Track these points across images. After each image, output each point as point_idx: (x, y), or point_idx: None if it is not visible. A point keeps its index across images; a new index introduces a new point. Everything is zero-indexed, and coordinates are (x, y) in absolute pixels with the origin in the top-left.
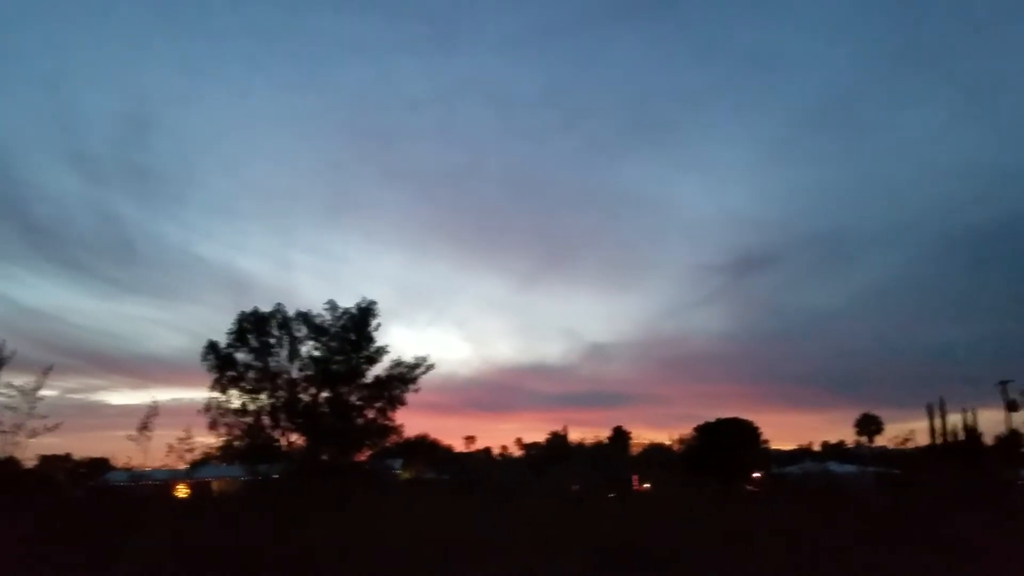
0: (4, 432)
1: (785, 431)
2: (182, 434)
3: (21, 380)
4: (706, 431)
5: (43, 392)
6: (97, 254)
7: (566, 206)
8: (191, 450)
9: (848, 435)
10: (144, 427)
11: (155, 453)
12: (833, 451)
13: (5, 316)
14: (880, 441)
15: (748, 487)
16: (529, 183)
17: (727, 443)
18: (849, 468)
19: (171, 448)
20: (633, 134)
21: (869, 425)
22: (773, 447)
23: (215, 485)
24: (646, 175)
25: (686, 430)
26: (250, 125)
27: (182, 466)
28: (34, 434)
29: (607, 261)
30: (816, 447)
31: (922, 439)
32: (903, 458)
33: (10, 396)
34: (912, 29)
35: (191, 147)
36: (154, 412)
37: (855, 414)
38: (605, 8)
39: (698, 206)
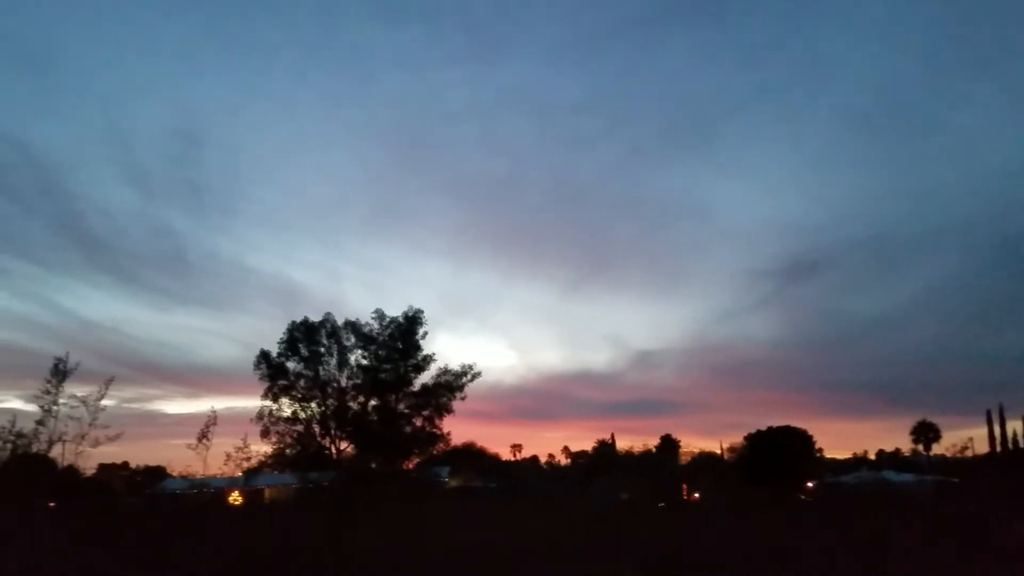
0: (67, 442)
1: (838, 439)
2: (238, 443)
3: (81, 391)
4: (757, 439)
5: (104, 402)
6: (152, 267)
7: (610, 213)
8: (248, 458)
9: (904, 443)
10: (203, 436)
11: (210, 461)
12: (889, 460)
13: (64, 328)
14: (937, 449)
15: (801, 496)
16: (572, 191)
17: (779, 452)
18: (907, 477)
19: (228, 457)
20: (677, 140)
21: (926, 433)
22: (827, 456)
23: (268, 492)
24: (691, 181)
25: (736, 439)
26: (297, 138)
27: (236, 474)
28: (96, 443)
29: (652, 268)
30: (871, 456)
31: (981, 447)
32: (962, 466)
33: (73, 407)
34: (960, 31)
35: (241, 161)
36: (213, 421)
37: (911, 422)
38: (648, 14)
39: (745, 212)
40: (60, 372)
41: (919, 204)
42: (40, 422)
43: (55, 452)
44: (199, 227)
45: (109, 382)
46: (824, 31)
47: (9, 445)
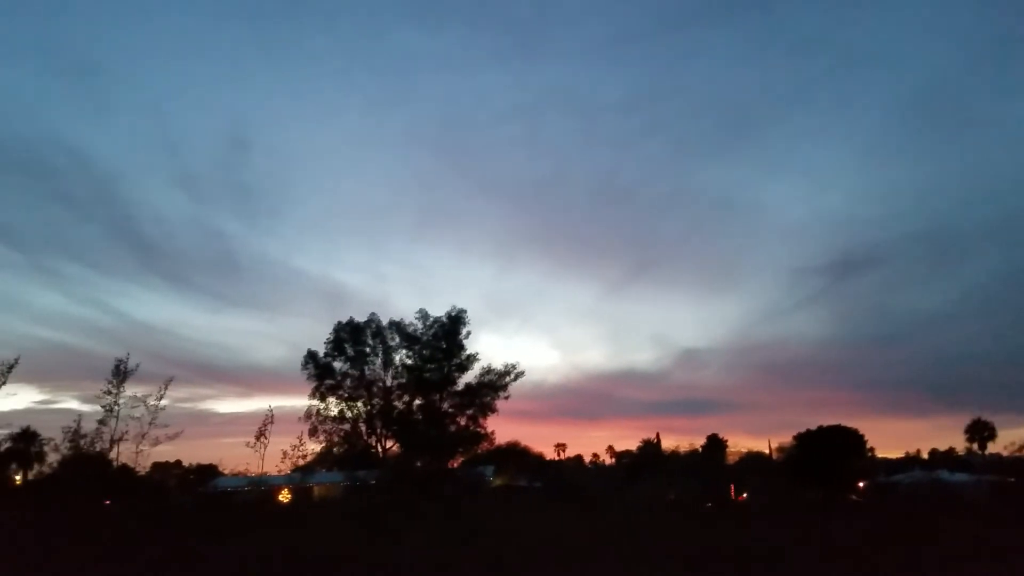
0: (127, 441)
1: (890, 439)
2: (290, 441)
3: (138, 391)
4: (807, 439)
5: (161, 403)
6: (203, 269)
7: (655, 211)
8: (304, 456)
9: (958, 442)
10: (261, 434)
11: (264, 459)
12: (943, 459)
13: (119, 330)
14: (993, 448)
15: (852, 497)
16: (617, 189)
17: (829, 451)
18: (962, 477)
19: (285, 454)
20: (724, 137)
21: (980, 431)
22: (878, 455)
23: (317, 490)
24: (738, 178)
25: (785, 438)
26: (343, 142)
27: (285, 472)
28: (156, 442)
29: (699, 266)
30: (923, 455)
31: None
32: (1019, 466)
33: (134, 406)
34: (1014, 17)
35: (288, 164)
36: (270, 420)
37: (964, 420)
38: (692, 11)
39: (793, 207)
40: (121, 373)
41: (973, 197)
42: (102, 422)
43: (116, 451)
44: (248, 230)
45: (168, 382)
46: (872, 22)
47: (72, 445)
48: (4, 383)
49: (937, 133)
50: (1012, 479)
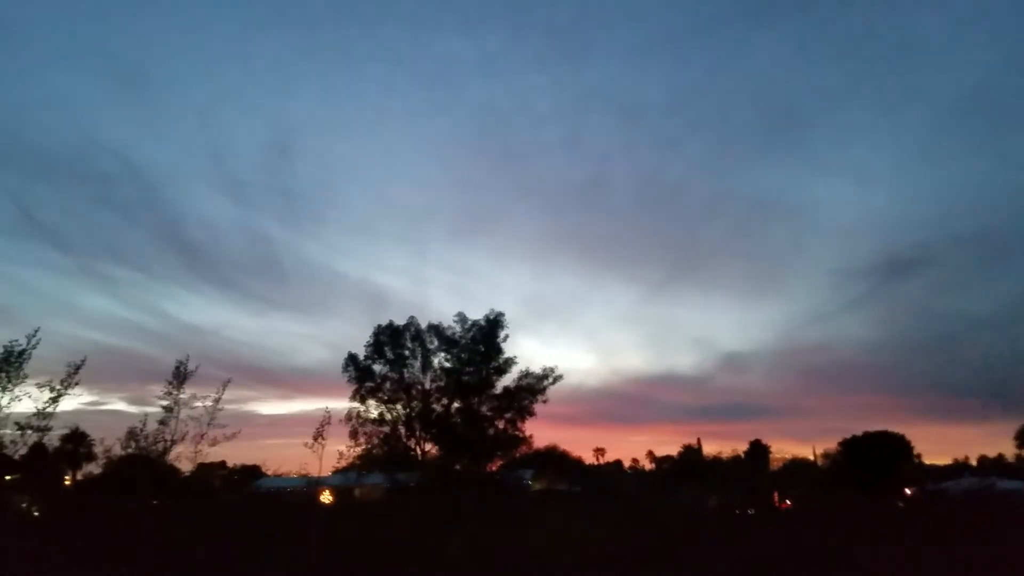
0: (185, 443)
1: (938, 445)
2: (342, 443)
3: (190, 392)
4: (853, 445)
5: (220, 404)
6: (248, 273)
7: (697, 213)
8: (359, 457)
9: (1008, 448)
10: (319, 435)
11: (319, 460)
12: (993, 466)
13: (166, 332)
14: None
15: (899, 504)
16: (658, 191)
17: (876, 458)
18: (1015, 484)
19: (341, 455)
20: (768, 137)
21: None
22: (925, 462)
23: (357, 492)
24: (782, 178)
25: (831, 444)
26: (385, 147)
27: (326, 474)
28: (215, 442)
29: (742, 268)
30: (972, 461)
31: None
32: None
33: (194, 407)
34: None
35: (331, 170)
36: (327, 420)
37: (1015, 426)
38: (734, 10)
39: (839, 209)
40: (181, 375)
41: (1022, 199)
42: (163, 422)
43: (175, 452)
44: (292, 235)
45: (226, 384)
46: (920, 17)
47: (133, 446)
48: (75, 383)
49: (985, 134)
50: None
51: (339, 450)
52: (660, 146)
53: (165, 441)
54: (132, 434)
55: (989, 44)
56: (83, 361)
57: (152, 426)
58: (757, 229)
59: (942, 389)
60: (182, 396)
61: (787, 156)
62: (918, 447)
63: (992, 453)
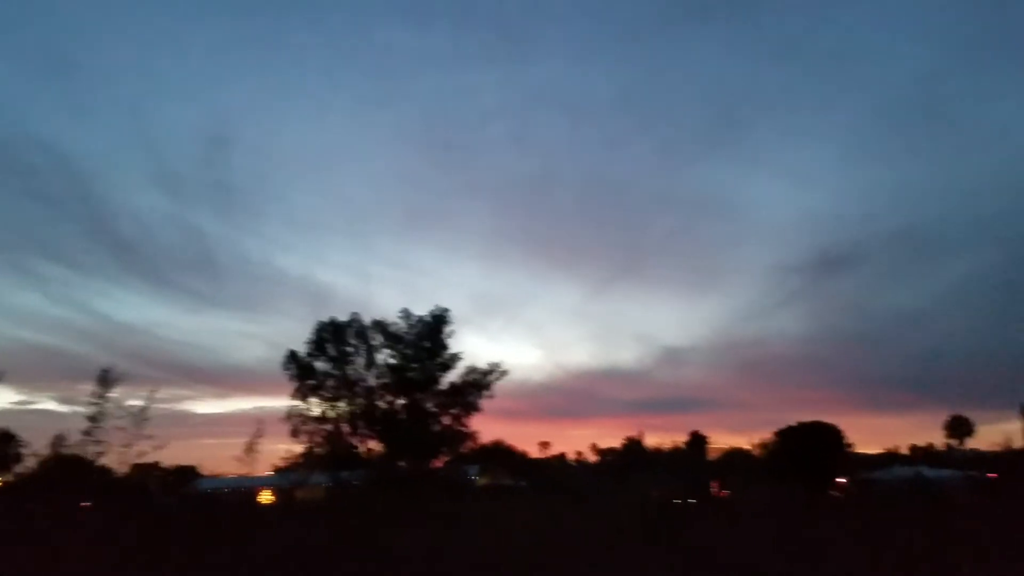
0: (111, 452)
1: (870, 435)
2: (278, 444)
3: (117, 394)
4: (788, 436)
5: (147, 407)
6: (183, 269)
7: (641, 211)
8: (295, 462)
9: (937, 438)
10: (251, 447)
11: (248, 470)
12: (922, 455)
13: (98, 330)
14: (971, 444)
15: (832, 493)
16: (603, 189)
17: (810, 448)
18: (943, 473)
19: (275, 467)
20: (709, 137)
21: (959, 428)
22: (858, 452)
23: (298, 492)
24: (723, 177)
25: (767, 435)
26: (327, 140)
27: (266, 474)
28: (142, 454)
29: (683, 265)
30: (903, 451)
31: (1018, 441)
32: (999, 461)
33: (119, 416)
34: (993, 19)
35: (271, 163)
36: (260, 432)
37: (943, 417)
38: (679, 11)
39: (776, 207)
40: (106, 381)
41: (953, 197)
42: (87, 432)
43: (105, 456)
44: (229, 230)
45: (154, 391)
46: (855, 23)
47: (56, 450)
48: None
49: (917, 133)
50: (992, 475)
51: (277, 450)
52: (606, 144)
53: (96, 443)
54: (61, 436)
55: (919, 47)
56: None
57: (82, 427)
58: (698, 227)
59: (874, 381)
60: (107, 404)
61: (727, 156)
62: (851, 437)
63: (922, 443)
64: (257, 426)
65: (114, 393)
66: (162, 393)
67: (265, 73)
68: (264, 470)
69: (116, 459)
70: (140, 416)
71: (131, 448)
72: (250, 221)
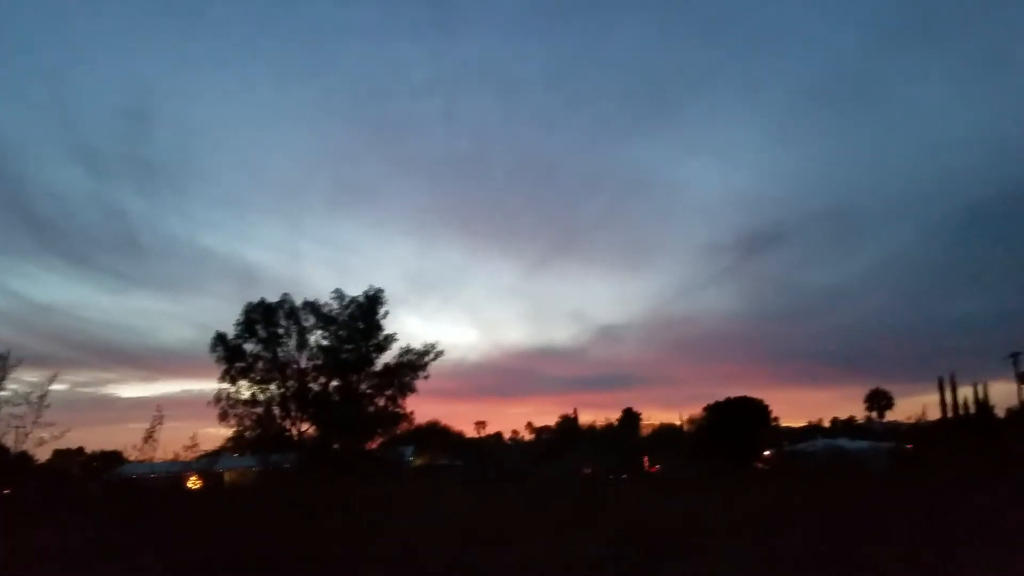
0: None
1: (795, 408)
2: (196, 427)
3: (31, 376)
4: (716, 411)
5: (52, 388)
6: (104, 249)
7: (575, 189)
8: (229, 439)
9: (858, 411)
10: (150, 436)
11: (168, 446)
12: (844, 427)
13: (15, 312)
14: (891, 416)
15: (758, 465)
16: (537, 167)
17: (737, 422)
18: (861, 444)
19: (176, 455)
20: (641, 115)
21: (879, 400)
22: (783, 425)
23: (228, 476)
24: (655, 156)
25: (696, 410)
26: (253, 115)
27: (194, 457)
28: (41, 442)
29: (617, 243)
30: (825, 423)
31: (934, 413)
32: (915, 433)
33: (16, 404)
34: (916, 1)
35: (195, 138)
36: (159, 420)
37: (865, 390)
38: None
39: (707, 186)
40: (3, 366)
41: (873, 176)
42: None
43: (7, 442)
44: (153, 208)
45: (52, 378)
46: (782, 3)
47: None
48: None
49: (841, 114)
50: (909, 445)
51: (206, 434)
52: (538, 122)
53: (16, 429)
54: None
55: (844, 27)
56: None
57: None
58: (631, 206)
59: (800, 357)
60: (4, 389)
61: (658, 134)
62: (776, 411)
63: (844, 415)
64: (157, 412)
65: (12, 378)
66: (85, 376)
67: (186, 44)
68: (192, 454)
69: (34, 446)
70: (38, 402)
71: (30, 442)
72: (173, 198)
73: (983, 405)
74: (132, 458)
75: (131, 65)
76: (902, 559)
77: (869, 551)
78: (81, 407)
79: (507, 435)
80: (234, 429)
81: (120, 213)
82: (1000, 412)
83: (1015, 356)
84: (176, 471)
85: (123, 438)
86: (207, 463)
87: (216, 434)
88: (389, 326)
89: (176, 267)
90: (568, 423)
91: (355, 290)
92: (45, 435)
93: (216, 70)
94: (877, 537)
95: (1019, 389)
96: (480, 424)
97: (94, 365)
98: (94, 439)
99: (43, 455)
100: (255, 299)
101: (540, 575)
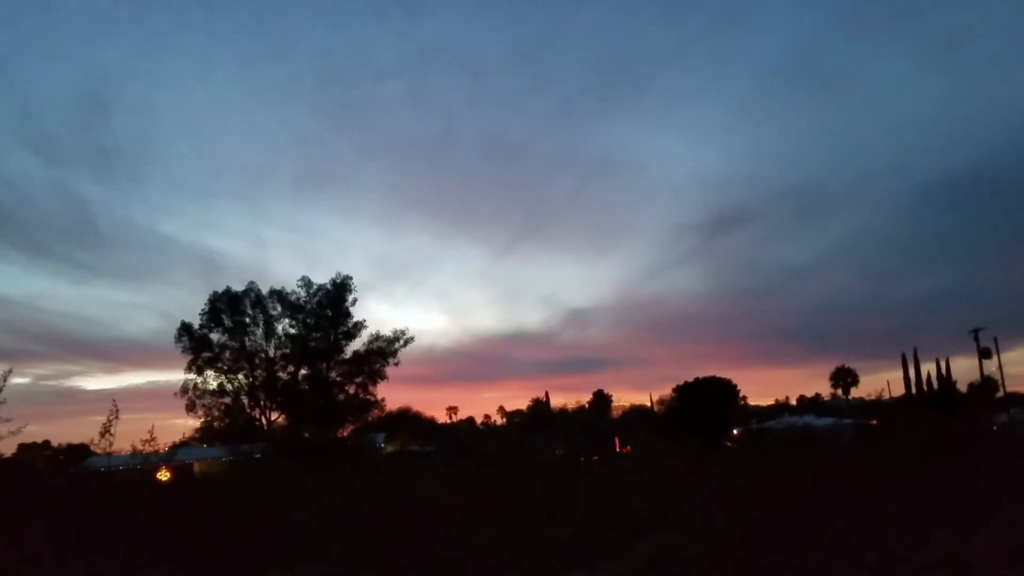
0: None
1: (763, 387)
2: (159, 419)
3: None
4: (685, 391)
5: (11, 382)
6: (63, 238)
7: (542, 171)
8: (197, 430)
9: (824, 388)
10: (107, 430)
11: (130, 438)
12: (810, 405)
13: None
14: (856, 393)
15: (727, 443)
16: (504, 149)
17: (706, 402)
18: (827, 421)
19: (135, 449)
20: (606, 95)
21: (844, 378)
22: (751, 403)
23: (196, 467)
24: (621, 137)
25: (666, 391)
26: (214, 99)
27: (163, 449)
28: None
29: (585, 225)
30: (792, 401)
31: (897, 389)
32: (880, 409)
33: None
34: None
35: (154, 124)
36: (115, 413)
37: (831, 368)
38: None
39: (673, 166)
40: None
41: (837, 156)
42: None
43: None
44: (112, 195)
45: (8, 372)
46: None
47: None
48: None
49: (806, 93)
50: (873, 421)
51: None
52: (504, 103)
53: None
54: None
55: (809, 6)
56: None
57: None
58: (599, 187)
59: (767, 335)
60: None
61: (625, 115)
62: (744, 390)
63: (810, 393)
64: (113, 405)
65: None
66: (47, 369)
67: (143, 29)
68: (161, 446)
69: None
70: None
71: None
72: (133, 186)
73: (946, 380)
74: (100, 448)
75: (88, 50)
76: (865, 525)
77: (841, 525)
78: (45, 400)
79: (479, 420)
80: (202, 420)
81: (79, 202)
82: (962, 387)
83: (976, 332)
84: (144, 463)
85: (90, 431)
86: (174, 455)
87: (184, 425)
88: (358, 313)
89: (138, 256)
90: (540, 406)
91: (322, 277)
92: (2, 430)
93: (175, 54)
94: (844, 510)
95: (980, 364)
96: (452, 409)
97: (57, 357)
98: (61, 432)
99: (6, 449)
100: (220, 288)
101: (510, 557)
